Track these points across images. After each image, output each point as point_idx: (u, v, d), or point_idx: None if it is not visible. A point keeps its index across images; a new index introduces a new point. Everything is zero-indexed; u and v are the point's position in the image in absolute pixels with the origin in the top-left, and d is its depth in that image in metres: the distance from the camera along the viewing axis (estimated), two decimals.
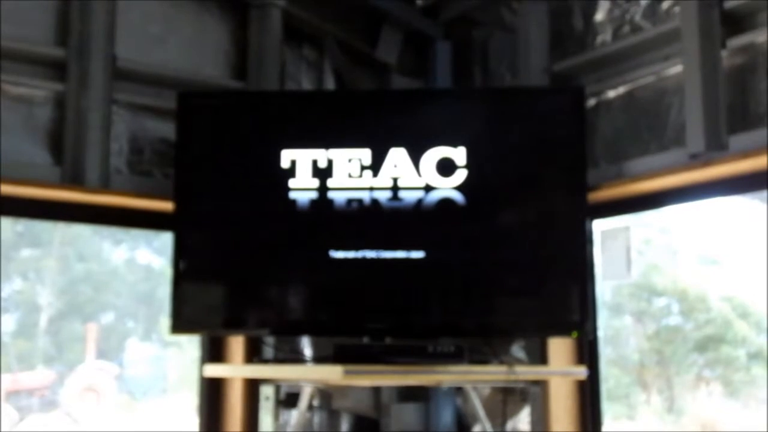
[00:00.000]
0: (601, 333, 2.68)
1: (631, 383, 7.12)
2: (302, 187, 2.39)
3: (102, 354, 8.05)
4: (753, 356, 6.87)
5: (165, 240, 2.52)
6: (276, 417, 2.76)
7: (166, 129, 2.61)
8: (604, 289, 2.77)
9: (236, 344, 2.67)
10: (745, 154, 2.14)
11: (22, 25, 2.41)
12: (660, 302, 7.33)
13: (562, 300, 2.34)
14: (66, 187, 2.40)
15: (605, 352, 2.67)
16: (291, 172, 2.39)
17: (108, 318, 8.43)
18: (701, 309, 7.19)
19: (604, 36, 2.63)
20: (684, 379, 7.12)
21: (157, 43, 2.66)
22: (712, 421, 6.71)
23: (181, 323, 2.39)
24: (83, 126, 2.43)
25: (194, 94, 2.57)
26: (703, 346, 7.13)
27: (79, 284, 8.35)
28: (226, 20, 2.81)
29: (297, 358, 2.74)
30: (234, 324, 2.48)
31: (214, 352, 2.69)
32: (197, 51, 2.74)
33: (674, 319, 7.34)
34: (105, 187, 2.45)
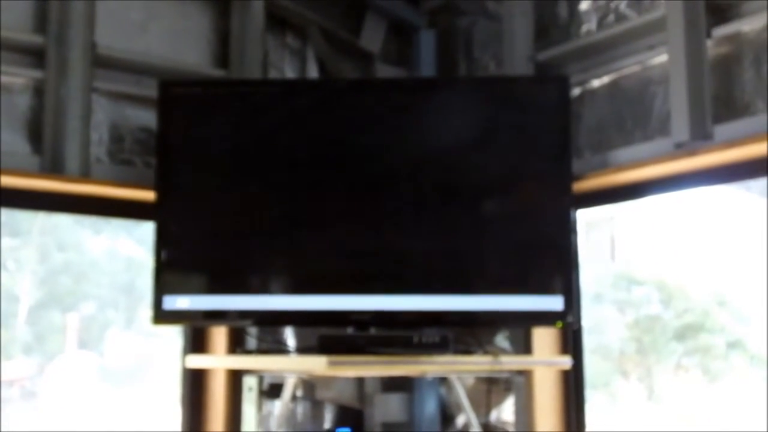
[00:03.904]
0: (584, 322, 2.69)
1: (612, 371, 7.16)
2: (285, 175, 2.37)
3: (82, 344, 8.00)
4: (731, 344, 6.93)
5: (146, 230, 2.49)
6: (259, 408, 2.74)
7: (147, 117, 2.58)
8: (586, 278, 2.76)
9: (219, 335, 2.65)
10: (730, 143, 2.14)
11: (0, 11, 2.37)
12: (640, 291, 7.37)
13: (546, 290, 2.33)
14: (45, 176, 2.36)
15: (586, 341, 2.68)
16: (274, 159, 2.37)
17: (88, 308, 8.37)
18: (680, 298, 7.24)
19: (589, 25, 2.62)
20: (664, 366, 7.17)
21: (138, 31, 2.62)
22: (690, 407, 6.77)
23: (163, 313, 2.37)
24: (62, 114, 2.39)
25: (176, 82, 2.53)
26: (683, 334, 7.18)
27: (59, 274, 8.28)
28: (208, 8, 2.77)
29: (280, 349, 2.73)
30: (216, 314, 2.45)
31: (196, 343, 2.67)
32: (179, 39, 2.70)
33: (654, 308, 7.39)
34: (85, 176, 2.41)
